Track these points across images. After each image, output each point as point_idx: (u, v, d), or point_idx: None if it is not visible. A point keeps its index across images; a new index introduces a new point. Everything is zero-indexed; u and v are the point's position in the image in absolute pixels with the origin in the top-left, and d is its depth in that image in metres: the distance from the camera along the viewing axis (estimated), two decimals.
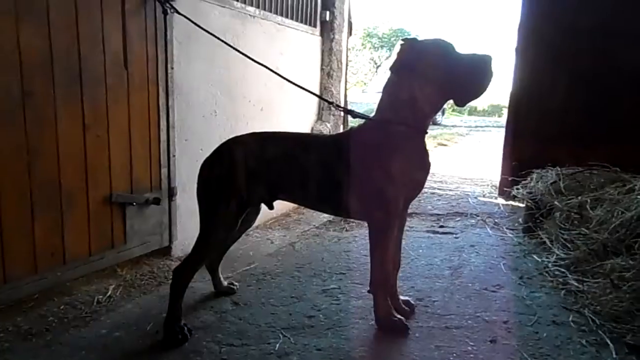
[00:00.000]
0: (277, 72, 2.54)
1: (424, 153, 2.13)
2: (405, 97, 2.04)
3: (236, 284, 2.60)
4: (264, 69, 2.50)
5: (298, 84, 2.46)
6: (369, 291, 2.21)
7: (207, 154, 2.22)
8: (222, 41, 2.65)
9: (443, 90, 2.04)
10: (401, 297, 2.36)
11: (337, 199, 2.13)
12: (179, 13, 2.64)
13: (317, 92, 4.74)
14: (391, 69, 2.09)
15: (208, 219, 2.11)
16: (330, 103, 2.61)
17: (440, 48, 2.02)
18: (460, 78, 2.00)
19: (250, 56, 2.54)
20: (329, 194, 2.13)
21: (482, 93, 2.06)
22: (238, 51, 2.60)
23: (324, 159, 2.10)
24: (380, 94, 2.15)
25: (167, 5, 2.64)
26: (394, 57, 2.10)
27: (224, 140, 2.24)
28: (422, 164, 2.12)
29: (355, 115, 2.26)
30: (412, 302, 2.39)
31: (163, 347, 2.00)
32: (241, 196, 2.09)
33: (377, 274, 2.14)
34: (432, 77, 2.01)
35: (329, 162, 2.10)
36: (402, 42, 2.09)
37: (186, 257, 2.15)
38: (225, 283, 2.56)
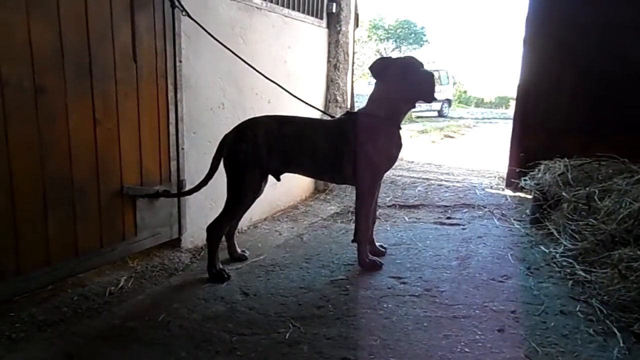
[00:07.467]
0: (277, 82, 3.09)
1: (398, 137, 2.78)
2: (379, 98, 2.73)
3: (247, 251, 3.01)
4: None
5: (296, 94, 2.95)
6: (353, 240, 2.85)
7: (215, 147, 2.65)
8: (222, 44, 2.89)
9: (404, 93, 2.68)
10: (377, 243, 3.05)
11: (337, 167, 2.70)
12: (189, 16, 2.72)
13: (324, 85, 4.75)
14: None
15: (239, 185, 2.59)
16: (327, 114, 3.05)
17: (402, 64, 2.68)
18: (413, 86, 2.67)
19: (251, 64, 3.00)
20: (331, 164, 2.70)
21: (430, 97, 2.69)
22: (239, 57, 2.96)
23: (329, 137, 2.68)
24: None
25: (177, 5, 2.70)
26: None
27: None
28: (397, 144, 2.77)
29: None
30: (384, 246, 3.09)
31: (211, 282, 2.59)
32: (262, 165, 2.62)
33: (363, 226, 2.79)
34: (394, 85, 2.66)
35: (333, 139, 2.67)
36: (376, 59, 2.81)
37: (218, 215, 2.65)
38: (239, 250, 2.96)
